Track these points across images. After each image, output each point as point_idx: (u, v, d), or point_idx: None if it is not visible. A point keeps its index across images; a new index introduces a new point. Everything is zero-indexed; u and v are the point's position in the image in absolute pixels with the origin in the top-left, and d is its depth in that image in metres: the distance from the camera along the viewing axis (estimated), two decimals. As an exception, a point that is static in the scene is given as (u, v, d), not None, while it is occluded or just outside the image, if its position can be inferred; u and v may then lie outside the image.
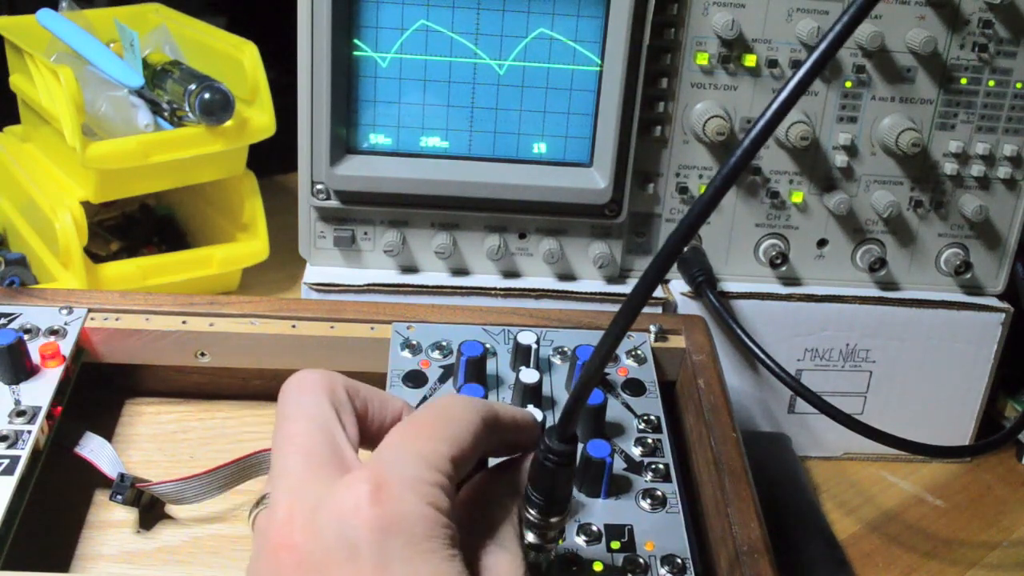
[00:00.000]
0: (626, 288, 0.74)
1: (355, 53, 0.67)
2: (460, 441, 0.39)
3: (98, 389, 0.65)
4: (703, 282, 0.71)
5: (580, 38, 0.67)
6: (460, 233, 0.72)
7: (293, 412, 0.40)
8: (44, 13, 0.85)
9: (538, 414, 0.55)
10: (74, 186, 0.81)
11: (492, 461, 0.43)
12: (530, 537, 0.42)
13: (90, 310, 0.63)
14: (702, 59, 0.68)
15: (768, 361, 0.67)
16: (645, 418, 0.58)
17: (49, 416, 0.55)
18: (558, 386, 0.60)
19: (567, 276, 0.74)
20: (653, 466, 0.55)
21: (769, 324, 0.73)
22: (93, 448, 0.58)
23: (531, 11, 0.66)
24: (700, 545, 0.54)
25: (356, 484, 0.35)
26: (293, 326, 0.63)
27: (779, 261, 0.73)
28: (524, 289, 0.72)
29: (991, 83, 0.70)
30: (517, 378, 0.57)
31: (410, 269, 0.74)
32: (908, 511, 0.74)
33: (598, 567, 0.48)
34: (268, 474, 0.40)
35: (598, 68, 0.68)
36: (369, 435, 0.42)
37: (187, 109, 0.78)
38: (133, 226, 0.95)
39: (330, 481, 0.36)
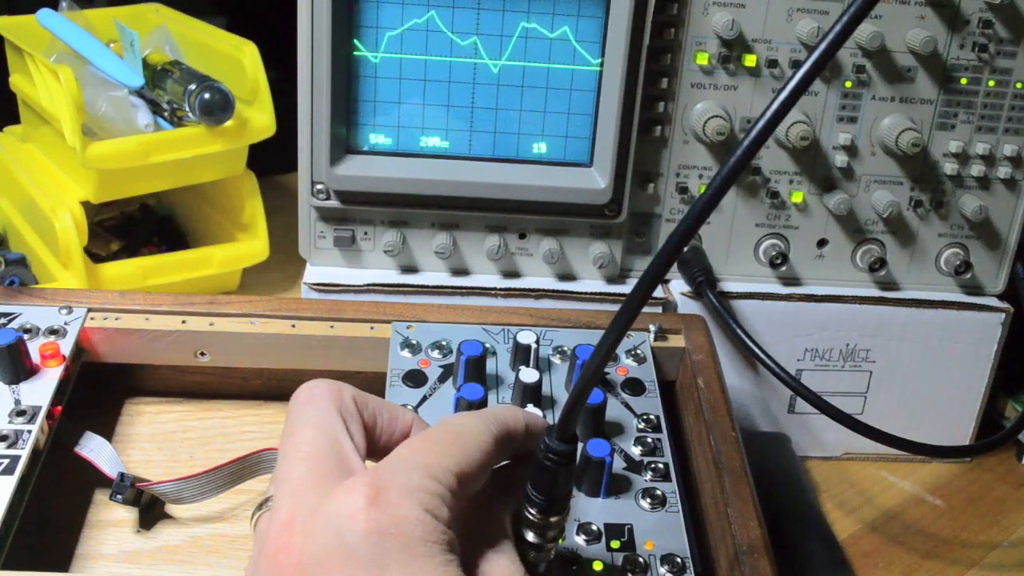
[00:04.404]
0: (626, 288, 0.74)
1: (355, 53, 0.67)
2: (468, 458, 0.39)
3: (98, 389, 0.65)
4: (703, 282, 0.71)
5: (580, 38, 0.67)
6: (460, 233, 0.72)
7: (301, 420, 0.41)
8: (44, 13, 0.85)
9: (538, 414, 0.55)
10: (74, 186, 0.81)
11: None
12: (530, 536, 0.42)
13: (90, 310, 0.63)
14: (702, 59, 0.68)
15: (768, 361, 0.67)
16: (645, 417, 0.58)
17: (49, 416, 0.55)
18: (558, 386, 0.60)
19: (567, 276, 0.74)
20: (653, 465, 0.55)
21: (769, 324, 0.73)
22: (93, 448, 0.58)
23: (531, 11, 0.66)
24: (700, 544, 0.54)
25: (355, 489, 0.36)
26: (293, 326, 0.63)
27: (779, 261, 0.73)
28: (524, 289, 0.72)
29: (991, 83, 0.70)
30: (517, 378, 0.57)
31: (410, 269, 0.74)
32: (908, 511, 0.74)
33: (598, 566, 0.48)
34: (272, 478, 0.40)
35: (598, 68, 0.68)
36: (377, 447, 0.42)
37: (187, 109, 0.78)
38: (133, 226, 0.95)
39: (332, 487, 0.37)
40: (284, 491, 0.38)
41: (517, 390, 0.57)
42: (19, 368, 0.57)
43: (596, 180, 0.70)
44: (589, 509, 0.52)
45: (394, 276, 0.73)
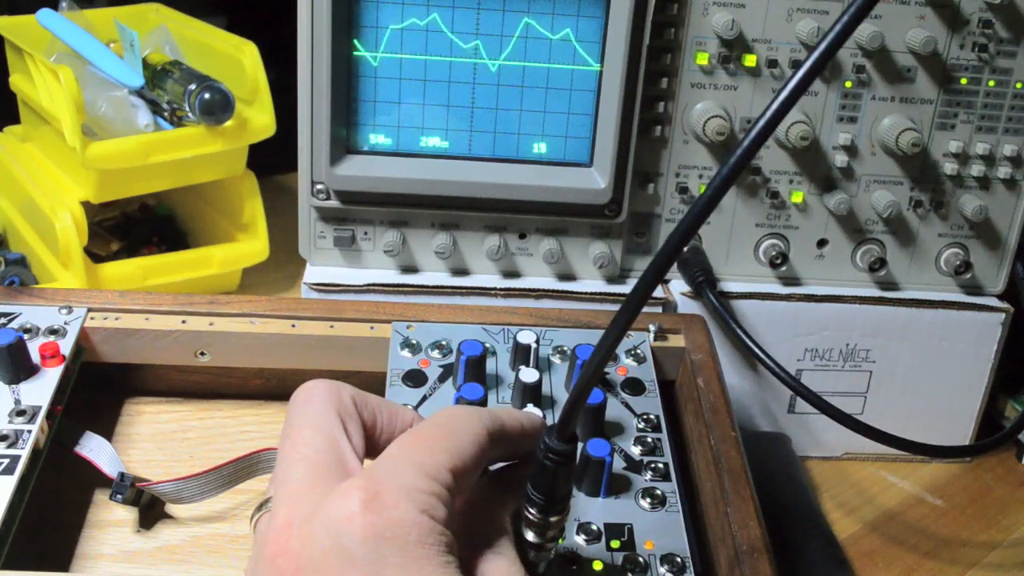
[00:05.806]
0: (626, 288, 0.74)
1: (355, 53, 0.67)
2: (461, 452, 0.39)
3: (98, 389, 0.65)
4: (703, 282, 0.71)
5: (580, 38, 0.67)
6: (460, 233, 0.72)
7: (299, 421, 0.41)
8: (44, 13, 0.85)
9: (537, 413, 0.55)
10: (74, 186, 0.81)
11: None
12: (530, 536, 0.42)
13: (90, 310, 0.63)
14: (702, 59, 0.68)
15: (768, 361, 0.67)
16: (644, 417, 0.58)
17: (49, 416, 0.55)
18: (558, 385, 0.60)
19: (567, 276, 0.74)
20: (652, 465, 0.55)
21: (769, 324, 0.73)
22: (93, 448, 0.58)
23: (531, 11, 0.66)
24: (700, 544, 0.54)
25: (351, 492, 0.36)
26: (293, 325, 0.63)
27: (779, 261, 0.73)
28: (524, 289, 0.72)
29: (991, 83, 0.70)
30: (517, 377, 0.57)
31: (410, 269, 0.74)
32: (908, 511, 0.74)
33: (598, 566, 0.48)
34: (271, 480, 0.40)
35: (598, 68, 0.68)
36: (377, 447, 0.42)
37: (187, 109, 0.78)
38: (133, 226, 0.95)
39: (329, 489, 0.37)
40: (282, 493, 0.38)
41: (517, 390, 0.57)
42: (19, 368, 0.57)
43: (596, 180, 0.70)
44: (589, 509, 0.52)
45: (394, 276, 0.73)
